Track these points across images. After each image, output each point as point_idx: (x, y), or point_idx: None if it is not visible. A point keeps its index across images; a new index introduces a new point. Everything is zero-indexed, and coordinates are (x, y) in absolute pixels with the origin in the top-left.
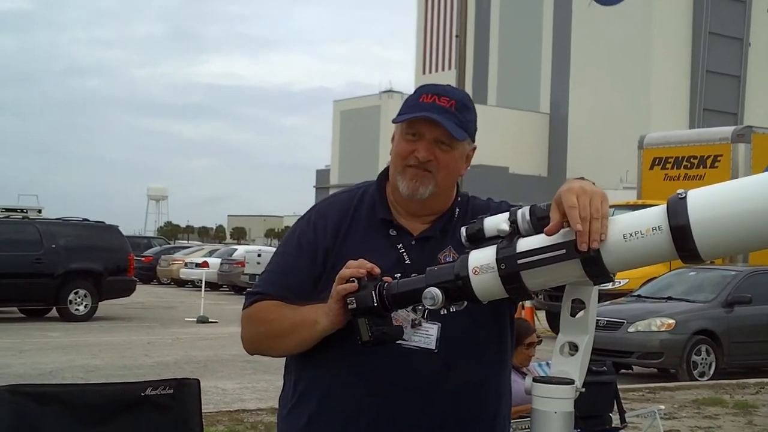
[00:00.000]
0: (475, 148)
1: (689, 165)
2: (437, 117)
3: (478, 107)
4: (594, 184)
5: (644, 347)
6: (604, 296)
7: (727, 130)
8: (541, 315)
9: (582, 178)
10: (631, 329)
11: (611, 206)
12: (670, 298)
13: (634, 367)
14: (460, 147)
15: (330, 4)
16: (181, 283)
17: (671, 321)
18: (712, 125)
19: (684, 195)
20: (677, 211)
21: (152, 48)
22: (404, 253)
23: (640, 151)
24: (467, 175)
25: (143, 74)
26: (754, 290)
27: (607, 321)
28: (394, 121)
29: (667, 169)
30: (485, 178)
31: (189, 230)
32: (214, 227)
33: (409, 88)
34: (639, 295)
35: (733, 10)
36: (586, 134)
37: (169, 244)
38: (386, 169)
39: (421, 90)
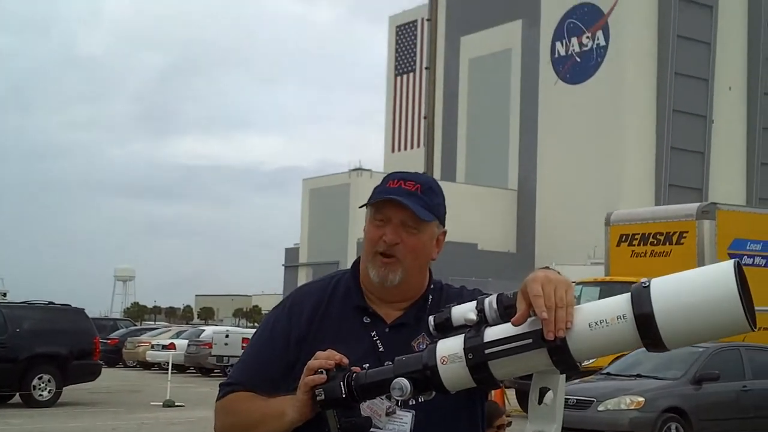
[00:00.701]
0: (445, 232)
1: (655, 241)
2: (402, 199)
3: (446, 184)
4: (559, 273)
5: (614, 426)
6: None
7: (692, 207)
8: (511, 394)
9: (547, 267)
10: (600, 408)
11: (579, 283)
12: (639, 376)
13: None
14: (428, 230)
15: (301, 85)
16: (147, 365)
17: (641, 399)
18: (678, 201)
19: (647, 284)
20: (641, 300)
21: (124, 128)
22: (378, 341)
23: (607, 228)
24: None
25: (114, 155)
26: (721, 366)
27: (576, 400)
28: (361, 207)
29: (634, 245)
30: (454, 255)
31: (156, 311)
32: (182, 307)
33: (379, 167)
34: (608, 373)
35: (697, 88)
36: (554, 210)
37: (136, 325)
38: (360, 257)
39: (388, 177)
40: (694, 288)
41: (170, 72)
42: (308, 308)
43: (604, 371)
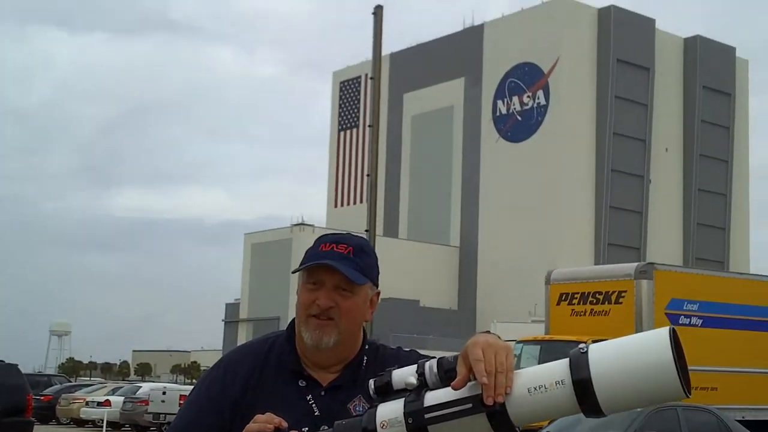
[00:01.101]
0: (379, 293)
1: (595, 300)
2: (334, 263)
3: (389, 240)
4: (499, 337)
5: None
6: None
7: (630, 267)
8: None
9: (488, 332)
10: None
11: (520, 341)
12: None
13: None
14: (362, 292)
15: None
16: (81, 422)
17: None
18: (617, 259)
19: (585, 349)
20: (579, 366)
21: (63, 181)
22: (313, 404)
23: (548, 287)
24: (379, 308)
25: (52, 207)
26: (659, 426)
27: None
28: (293, 272)
29: (574, 304)
30: (396, 311)
31: (92, 366)
32: (118, 363)
33: (322, 222)
34: None
35: (634, 149)
36: (496, 267)
37: (70, 381)
38: (294, 319)
39: (320, 240)
40: (630, 355)
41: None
42: (243, 371)
43: (544, 431)
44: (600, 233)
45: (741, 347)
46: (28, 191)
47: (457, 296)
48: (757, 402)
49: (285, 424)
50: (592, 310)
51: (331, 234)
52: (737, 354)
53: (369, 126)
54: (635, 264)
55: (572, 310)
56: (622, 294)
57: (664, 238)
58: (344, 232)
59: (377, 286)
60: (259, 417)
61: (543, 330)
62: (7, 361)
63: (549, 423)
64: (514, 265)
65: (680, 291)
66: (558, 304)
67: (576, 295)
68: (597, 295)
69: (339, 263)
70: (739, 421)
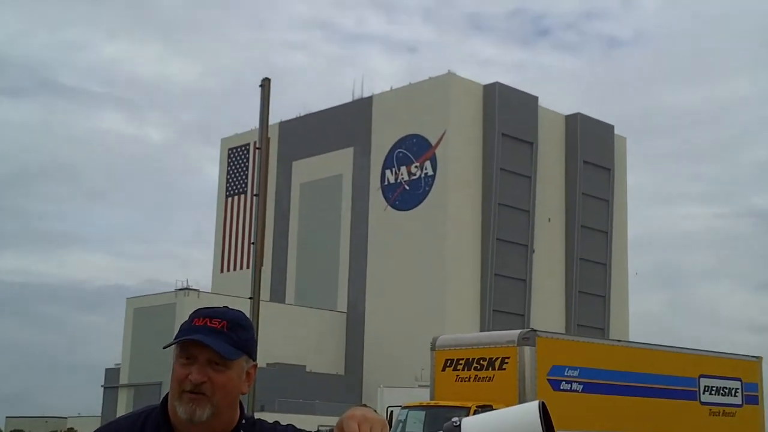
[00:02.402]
0: (255, 365)
1: (479, 366)
2: (205, 339)
3: (276, 306)
4: (375, 411)
5: None
6: None
7: (514, 334)
8: None
9: (365, 405)
10: None
11: (406, 407)
12: None
13: None
14: (236, 366)
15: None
16: None
17: None
18: (502, 325)
19: (458, 423)
20: None
21: None
22: None
23: (433, 353)
24: (265, 373)
25: None
26: None
27: None
28: (164, 347)
29: (459, 370)
30: (282, 377)
31: None
32: None
33: (207, 287)
34: None
35: (519, 219)
36: (383, 333)
37: None
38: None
39: (194, 314)
40: (502, 428)
41: None
42: None
43: None
44: (486, 300)
45: (621, 412)
46: None
47: (344, 361)
48: None
49: None
50: (476, 375)
51: (206, 308)
52: (617, 418)
53: (255, 195)
54: (518, 331)
55: (457, 375)
56: (506, 360)
57: (547, 305)
58: (221, 307)
59: (254, 359)
60: None
61: (429, 395)
62: None
63: None
64: (401, 331)
65: (562, 357)
66: (443, 369)
67: (461, 361)
68: (481, 361)
69: (211, 338)
70: None
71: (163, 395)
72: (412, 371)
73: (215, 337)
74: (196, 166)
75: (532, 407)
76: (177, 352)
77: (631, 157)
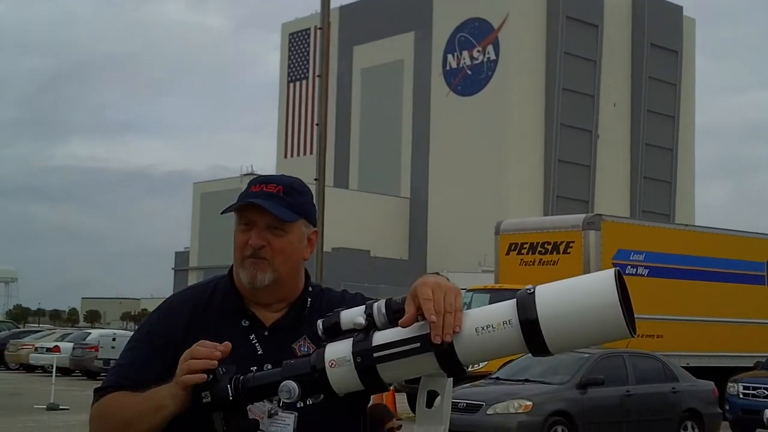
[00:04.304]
0: (316, 231)
1: (543, 251)
2: (261, 202)
3: (339, 191)
4: (448, 279)
5: (503, 429)
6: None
7: (578, 218)
8: (402, 398)
9: (437, 273)
10: (489, 411)
11: (470, 290)
12: (527, 380)
13: None
14: (296, 230)
15: (194, 91)
16: (30, 368)
17: (528, 403)
18: (565, 212)
19: (532, 290)
20: (526, 306)
21: (9, 132)
22: (257, 344)
23: (497, 237)
24: (329, 257)
25: None
26: (606, 372)
27: (466, 403)
28: (222, 212)
29: (523, 254)
30: (347, 261)
31: (40, 313)
32: (67, 310)
33: (272, 172)
34: (497, 378)
35: (583, 104)
36: (446, 219)
37: (19, 327)
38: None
39: (252, 181)
40: (576, 295)
41: (56, 75)
42: (185, 312)
43: (493, 376)
44: (548, 186)
45: (685, 296)
46: None
47: (408, 246)
48: (701, 349)
49: (228, 347)
50: (540, 260)
51: (264, 175)
52: (682, 303)
53: (318, 76)
54: (583, 215)
55: (521, 259)
56: (570, 244)
57: (611, 191)
58: (279, 174)
59: (314, 225)
60: (200, 351)
61: (492, 280)
62: None
63: (498, 369)
64: (463, 216)
65: (627, 242)
66: (507, 254)
67: (525, 245)
68: (546, 246)
69: (267, 202)
70: (684, 367)
71: None
72: (475, 257)
73: (271, 201)
74: (257, 53)
75: (607, 274)
76: (237, 220)
77: (700, 40)
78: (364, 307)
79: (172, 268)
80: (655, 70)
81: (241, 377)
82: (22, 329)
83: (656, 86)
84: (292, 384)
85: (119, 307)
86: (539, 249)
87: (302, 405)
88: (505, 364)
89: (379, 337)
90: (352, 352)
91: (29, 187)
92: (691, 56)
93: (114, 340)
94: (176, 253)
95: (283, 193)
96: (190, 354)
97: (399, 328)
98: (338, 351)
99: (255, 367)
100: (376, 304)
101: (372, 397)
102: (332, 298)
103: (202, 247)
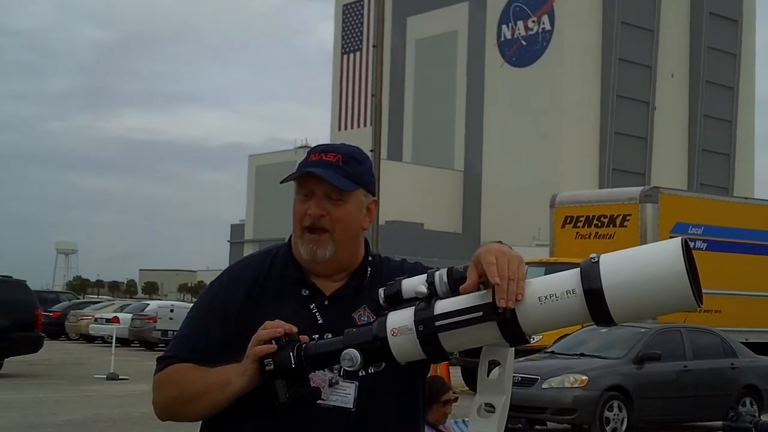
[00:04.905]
0: (375, 201)
1: (599, 224)
2: (320, 171)
3: (393, 164)
4: (510, 248)
5: (558, 403)
6: (519, 352)
7: (635, 191)
8: (456, 371)
9: (499, 242)
10: (545, 385)
11: (526, 263)
12: (582, 355)
13: (548, 423)
14: (355, 200)
15: (248, 62)
16: (90, 338)
17: (584, 377)
18: (621, 185)
19: (597, 259)
20: (590, 275)
21: (66, 102)
22: (317, 313)
23: (552, 210)
24: (383, 230)
25: (55, 128)
26: (663, 347)
27: (521, 377)
28: (281, 182)
29: (579, 227)
30: (401, 234)
31: (99, 285)
32: (125, 282)
33: None
34: (553, 352)
35: (640, 75)
36: (500, 192)
37: (78, 298)
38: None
39: (311, 150)
40: (642, 264)
41: (113, 45)
42: (246, 282)
43: (549, 350)
44: (604, 158)
45: (745, 271)
46: (32, 111)
47: (461, 220)
48: (761, 325)
49: (295, 330)
50: (596, 233)
51: (323, 144)
52: (741, 277)
53: (373, 46)
54: (640, 188)
55: (577, 233)
56: (627, 217)
57: (669, 163)
58: (338, 143)
59: (373, 194)
60: (269, 323)
61: (547, 253)
62: (15, 278)
63: (554, 343)
64: (518, 189)
65: (685, 215)
66: (563, 227)
67: (581, 219)
68: (602, 219)
69: (325, 171)
70: (743, 343)
71: None
72: (530, 230)
73: (329, 170)
74: (310, 25)
75: (674, 242)
76: (296, 189)
77: (761, 9)
78: (425, 275)
79: (228, 241)
80: (715, 40)
81: (303, 345)
82: (81, 300)
83: (715, 56)
84: (354, 352)
85: (176, 279)
86: (595, 222)
87: (363, 374)
88: (560, 338)
89: (441, 306)
90: (414, 321)
91: (86, 158)
92: (752, 26)
93: (172, 311)
94: (232, 225)
95: (342, 162)
96: (257, 337)
97: (461, 297)
98: (400, 319)
99: (317, 336)
100: (438, 272)
101: None
102: (392, 268)
103: (257, 220)
